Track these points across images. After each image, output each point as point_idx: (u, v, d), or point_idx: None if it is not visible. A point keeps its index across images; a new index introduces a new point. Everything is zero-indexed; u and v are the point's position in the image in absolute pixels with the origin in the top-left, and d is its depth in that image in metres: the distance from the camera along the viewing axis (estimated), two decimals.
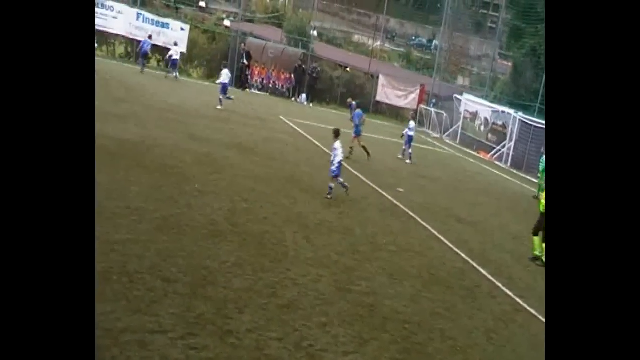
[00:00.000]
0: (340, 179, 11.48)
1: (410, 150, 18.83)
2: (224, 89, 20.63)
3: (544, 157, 17.69)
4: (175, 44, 25.96)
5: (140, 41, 26.64)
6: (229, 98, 20.59)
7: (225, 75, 20.88)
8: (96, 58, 26.36)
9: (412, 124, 19.27)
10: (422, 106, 31.74)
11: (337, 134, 11.50)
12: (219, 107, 20.12)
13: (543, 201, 10.47)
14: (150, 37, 26.01)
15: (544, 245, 10.27)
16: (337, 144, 11.36)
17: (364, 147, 16.73)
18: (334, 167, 11.27)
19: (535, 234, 10.45)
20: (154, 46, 27.05)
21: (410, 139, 18.77)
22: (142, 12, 28.18)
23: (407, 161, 18.71)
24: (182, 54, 27.09)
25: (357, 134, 16.85)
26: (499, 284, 8.73)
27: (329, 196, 11.23)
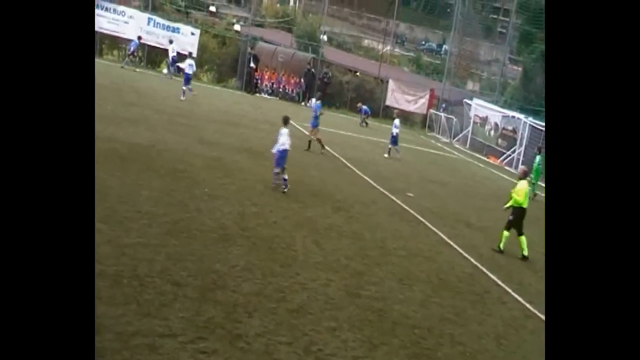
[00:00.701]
0: (277, 171, 11.06)
1: (397, 147, 19.32)
2: (187, 79, 20.95)
3: (538, 157, 17.94)
4: (170, 42, 26.71)
5: (152, 46, 27.10)
6: (190, 89, 20.75)
7: (187, 66, 21.27)
8: (108, 62, 26.65)
9: (397, 122, 19.68)
10: (432, 111, 31.69)
11: (285, 121, 11.26)
12: (182, 98, 20.39)
13: (515, 196, 10.59)
14: (139, 37, 26.66)
15: (522, 238, 10.56)
16: (283, 131, 11.08)
17: (319, 140, 16.55)
18: (274, 150, 10.99)
19: (508, 229, 10.64)
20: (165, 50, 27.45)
21: (395, 138, 19.23)
22: (153, 17, 28.40)
23: (397, 155, 19.14)
24: (179, 53, 27.32)
25: (314, 126, 16.67)
26: (509, 290, 8.68)
27: (278, 184, 11.00)
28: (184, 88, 20.60)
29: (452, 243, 10.46)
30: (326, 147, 16.60)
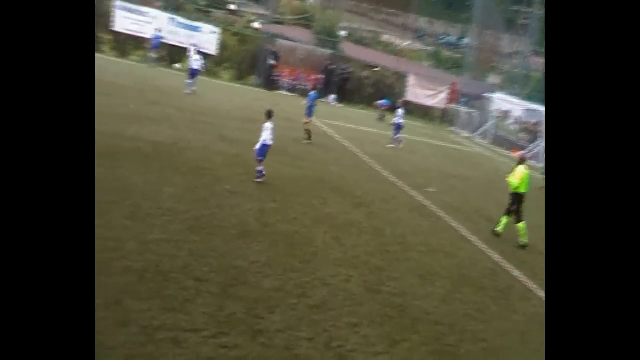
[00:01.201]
0: (260, 167, 10.90)
1: (397, 136, 19.53)
2: (192, 74, 21.06)
3: None
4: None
5: (173, 45, 27.25)
6: (189, 85, 20.87)
7: (192, 60, 21.31)
8: (131, 62, 27.00)
9: (400, 111, 19.92)
10: (451, 105, 31.41)
11: (269, 115, 11.06)
12: (186, 91, 20.62)
13: (511, 180, 10.74)
14: (158, 30, 26.75)
15: (522, 225, 10.66)
16: (267, 125, 10.92)
17: (307, 130, 16.51)
18: (257, 147, 10.88)
19: (507, 214, 10.82)
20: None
21: (398, 127, 19.56)
22: (175, 16, 28.70)
23: (399, 145, 19.35)
24: (205, 55, 26.55)
25: (309, 115, 16.55)
26: (533, 286, 8.59)
27: (258, 180, 10.88)
28: (189, 81, 20.88)
29: (473, 238, 10.38)
30: (311, 139, 16.51)
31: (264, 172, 10.99)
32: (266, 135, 10.89)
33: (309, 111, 16.49)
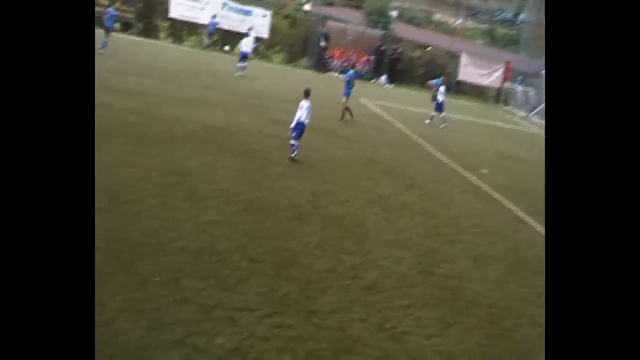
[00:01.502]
0: (295, 142, 10.88)
1: (442, 115, 19.17)
2: (243, 57, 21.30)
3: None
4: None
5: (226, 30, 27.77)
6: (240, 68, 21.12)
7: (243, 44, 21.59)
8: (185, 48, 27.58)
9: (442, 88, 19.58)
10: (507, 84, 30.37)
11: (306, 94, 11.08)
12: (237, 74, 20.95)
13: None
14: (214, 16, 27.44)
15: None
16: (302, 103, 10.93)
17: (347, 108, 16.34)
18: (292, 125, 10.94)
19: None
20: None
21: (440, 105, 19.16)
22: (227, 1, 29.03)
23: (442, 125, 18.95)
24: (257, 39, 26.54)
25: (348, 95, 16.36)
26: None
27: (293, 155, 10.89)
28: (239, 65, 21.19)
29: (529, 220, 10.08)
30: (353, 117, 16.43)
31: (295, 148, 10.96)
32: (301, 113, 10.93)
33: (347, 91, 16.41)
